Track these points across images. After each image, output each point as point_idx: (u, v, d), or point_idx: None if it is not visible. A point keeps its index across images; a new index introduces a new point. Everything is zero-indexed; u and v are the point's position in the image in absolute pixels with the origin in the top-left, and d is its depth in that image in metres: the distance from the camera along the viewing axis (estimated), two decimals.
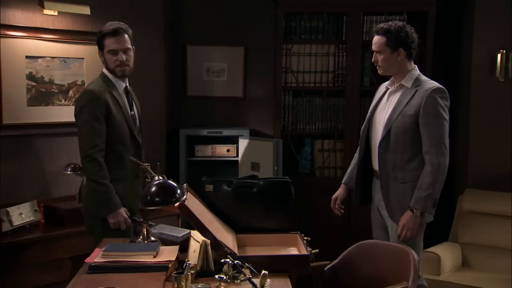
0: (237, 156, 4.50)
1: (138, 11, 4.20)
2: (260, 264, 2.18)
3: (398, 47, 2.90)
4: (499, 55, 4.27)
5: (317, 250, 2.48)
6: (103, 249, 2.47)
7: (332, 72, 4.55)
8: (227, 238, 2.45)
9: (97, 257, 2.42)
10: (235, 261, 2.12)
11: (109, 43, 2.90)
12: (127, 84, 3.04)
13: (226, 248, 2.26)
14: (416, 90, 2.89)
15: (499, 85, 4.32)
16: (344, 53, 4.50)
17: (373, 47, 2.96)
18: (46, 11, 3.72)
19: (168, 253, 2.43)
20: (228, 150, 4.57)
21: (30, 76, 3.70)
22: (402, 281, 2.36)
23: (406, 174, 2.90)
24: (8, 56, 3.56)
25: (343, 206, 3.21)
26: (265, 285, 2.04)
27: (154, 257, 2.39)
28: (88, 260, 2.41)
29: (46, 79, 3.78)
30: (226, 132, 4.59)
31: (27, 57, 3.66)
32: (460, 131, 4.65)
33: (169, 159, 4.55)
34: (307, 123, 4.62)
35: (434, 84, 2.92)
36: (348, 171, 3.26)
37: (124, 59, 2.92)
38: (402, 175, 2.90)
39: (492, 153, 4.37)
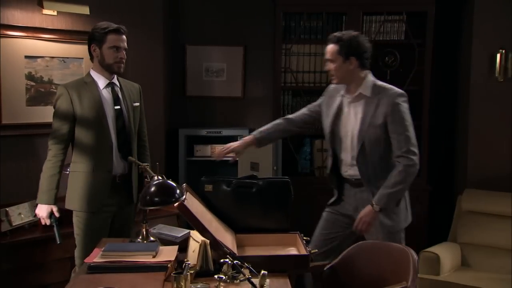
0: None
1: (137, 11, 4.20)
2: (259, 264, 2.17)
3: (349, 56, 2.90)
4: (498, 55, 4.27)
5: (316, 250, 2.48)
6: (102, 249, 2.47)
7: None
8: (227, 238, 2.45)
9: (96, 257, 2.42)
10: (235, 261, 2.12)
11: (113, 39, 2.97)
12: (112, 80, 3.07)
13: (225, 248, 2.26)
14: (379, 99, 2.91)
15: (498, 85, 4.32)
16: None
17: (326, 55, 2.97)
18: (45, 11, 3.72)
19: (167, 253, 2.43)
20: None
21: (29, 76, 3.70)
22: (401, 281, 2.36)
23: (382, 181, 2.92)
24: (7, 56, 3.56)
25: (233, 155, 3.13)
26: (265, 285, 2.04)
27: (154, 257, 2.38)
28: (87, 260, 2.41)
29: (45, 79, 3.78)
30: (226, 132, 4.59)
31: (26, 57, 3.66)
32: (460, 131, 4.66)
33: (168, 159, 4.55)
34: None
35: (394, 90, 2.94)
36: (264, 128, 3.19)
37: (124, 57, 3.02)
38: (378, 184, 2.92)
39: (492, 153, 4.37)
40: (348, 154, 2.96)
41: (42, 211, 2.98)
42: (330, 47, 2.93)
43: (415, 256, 2.44)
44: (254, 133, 3.17)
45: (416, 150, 2.89)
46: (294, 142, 4.61)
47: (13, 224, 3.38)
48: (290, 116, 3.25)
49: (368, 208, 2.87)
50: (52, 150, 2.98)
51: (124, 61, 3.03)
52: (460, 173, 4.59)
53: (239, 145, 3.09)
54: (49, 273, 3.38)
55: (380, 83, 2.98)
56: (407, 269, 2.39)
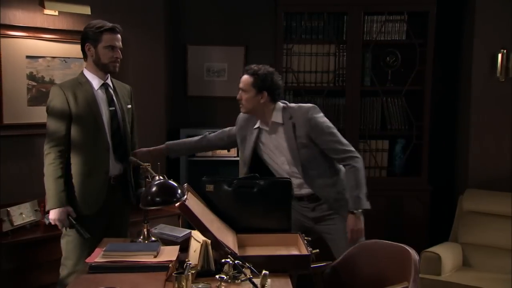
0: (238, 156, 4.49)
1: (138, 11, 4.20)
2: (260, 264, 2.18)
3: (262, 89, 2.95)
4: (499, 55, 4.27)
5: (317, 250, 2.48)
6: (103, 249, 2.47)
7: (332, 72, 4.55)
8: (228, 238, 2.45)
9: (97, 257, 2.42)
10: (236, 261, 2.12)
11: (108, 38, 2.94)
12: (106, 81, 3.05)
13: (226, 248, 2.26)
14: (293, 121, 2.95)
15: (500, 85, 4.32)
16: (345, 53, 4.49)
17: (240, 85, 3.01)
18: (46, 11, 3.72)
19: (169, 253, 2.43)
20: (228, 150, 4.56)
21: (31, 76, 3.70)
22: (402, 281, 2.36)
23: (338, 188, 3.00)
24: (9, 56, 3.56)
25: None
26: (266, 285, 2.04)
27: (155, 257, 2.39)
28: (88, 260, 2.41)
29: (47, 79, 3.78)
30: None
31: (27, 57, 3.66)
32: (461, 131, 4.65)
33: (169, 159, 4.55)
34: None
35: (302, 107, 3.00)
36: (180, 141, 3.46)
37: (120, 56, 3.00)
38: (336, 190, 3.00)
39: (493, 153, 4.37)
40: (293, 179, 2.92)
41: (59, 215, 2.86)
42: (245, 78, 2.98)
43: (416, 256, 2.44)
44: (168, 142, 3.36)
45: (350, 146, 2.97)
46: None
47: (15, 224, 3.38)
48: (209, 136, 3.32)
49: (351, 217, 2.92)
50: (52, 154, 2.90)
51: (119, 60, 3.00)
52: (461, 173, 4.59)
53: (152, 150, 3.24)
54: (50, 273, 3.37)
55: (288, 105, 3.03)
56: (409, 269, 2.39)
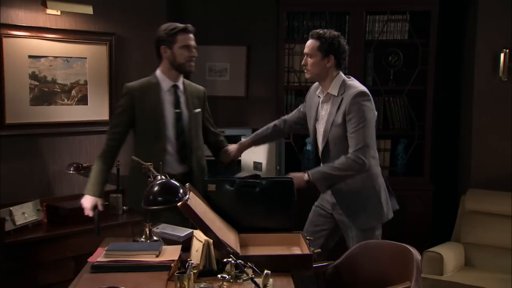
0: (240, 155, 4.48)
1: (140, 11, 4.20)
2: (262, 263, 2.17)
3: (329, 53, 2.94)
4: (502, 55, 4.26)
5: (319, 250, 2.48)
6: (105, 249, 2.47)
7: None
8: (230, 238, 2.45)
9: (99, 256, 2.42)
10: (238, 261, 2.12)
11: (184, 39, 3.05)
12: (177, 83, 3.14)
13: (228, 248, 2.26)
14: (342, 98, 2.94)
15: (502, 85, 4.31)
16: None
17: (305, 50, 3.00)
18: (49, 11, 3.72)
19: (171, 253, 2.43)
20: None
21: (33, 76, 3.70)
22: (405, 281, 2.36)
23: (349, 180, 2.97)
24: (11, 56, 3.57)
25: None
26: (268, 285, 2.04)
27: (157, 256, 2.39)
28: (90, 259, 2.42)
29: (49, 78, 3.78)
30: (229, 132, 4.57)
31: (29, 56, 3.67)
32: (463, 130, 4.64)
33: None
34: None
35: (356, 88, 2.94)
36: (258, 131, 3.42)
37: (196, 55, 3.11)
38: (346, 182, 2.97)
39: (495, 153, 4.36)
40: (319, 152, 3.02)
41: (87, 202, 3.01)
42: (311, 42, 2.98)
43: (418, 256, 2.44)
44: (251, 136, 3.41)
45: (368, 148, 2.89)
46: (297, 142, 4.61)
47: (17, 224, 3.39)
48: (284, 116, 3.38)
49: (300, 173, 2.94)
50: (105, 146, 3.06)
51: (194, 59, 3.10)
52: (464, 173, 4.58)
53: (240, 147, 3.32)
54: (52, 272, 3.38)
55: (349, 82, 3.00)
56: (411, 269, 2.39)
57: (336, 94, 2.97)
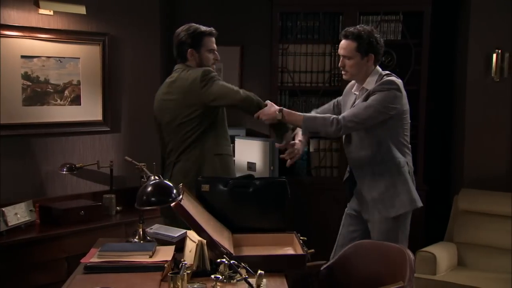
0: (233, 156, 4.48)
1: (134, 11, 4.19)
2: (256, 264, 2.17)
3: (368, 52, 2.89)
4: (494, 55, 4.28)
5: (313, 250, 2.48)
6: (99, 249, 2.47)
7: (328, 72, 4.55)
8: (223, 238, 2.45)
9: (92, 257, 2.41)
10: (231, 261, 2.12)
11: (210, 42, 3.11)
12: None
13: (222, 248, 2.26)
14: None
15: (494, 85, 4.34)
16: None
17: (342, 52, 2.93)
18: (41, 11, 3.70)
19: (164, 253, 2.43)
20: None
21: (26, 76, 3.69)
22: (398, 281, 2.36)
23: (374, 168, 2.94)
24: (3, 56, 3.55)
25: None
26: (261, 285, 2.04)
27: (150, 257, 2.38)
28: (83, 260, 2.41)
29: (42, 78, 3.77)
30: None
31: (22, 56, 3.65)
32: (456, 130, 4.66)
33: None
34: None
35: (389, 81, 2.88)
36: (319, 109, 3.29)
37: (219, 58, 3.18)
38: (372, 171, 2.95)
39: (488, 152, 4.38)
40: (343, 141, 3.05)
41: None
42: (348, 44, 2.90)
43: (411, 255, 2.45)
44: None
45: (351, 127, 2.85)
46: None
47: (9, 224, 3.37)
48: (317, 109, 3.32)
49: (275, 108, 2.93)
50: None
51: (217, 62, 3.18)
52: (457, 173, 4.60)
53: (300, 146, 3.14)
54: (45, 273, 3.37)
55: (386, 78, 2.91)
56: (404, 269, 2.39)
57: (370, 89, 2.90)
